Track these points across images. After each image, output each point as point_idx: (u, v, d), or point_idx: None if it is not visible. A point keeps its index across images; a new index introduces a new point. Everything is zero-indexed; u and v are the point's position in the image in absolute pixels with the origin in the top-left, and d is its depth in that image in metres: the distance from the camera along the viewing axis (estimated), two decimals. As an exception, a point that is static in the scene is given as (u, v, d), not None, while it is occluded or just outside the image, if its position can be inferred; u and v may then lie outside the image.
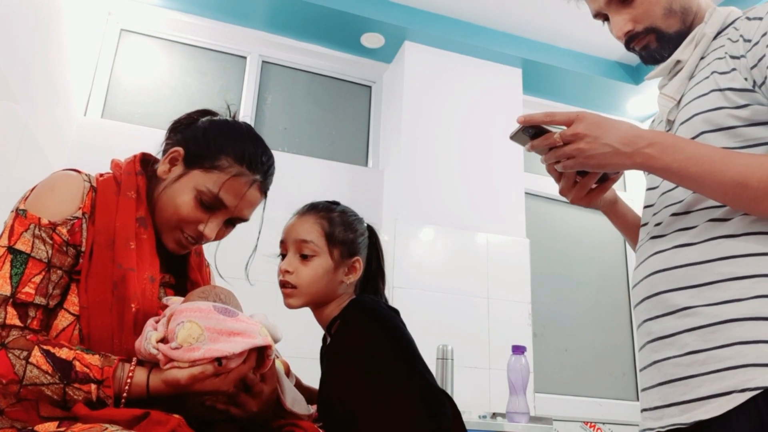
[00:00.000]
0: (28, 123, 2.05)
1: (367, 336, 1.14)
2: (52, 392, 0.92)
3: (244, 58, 3.25)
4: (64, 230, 1.02)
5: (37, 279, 0.97)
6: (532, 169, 3.33)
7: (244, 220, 1.18)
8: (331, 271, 1.21)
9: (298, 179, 2.92)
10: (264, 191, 1.18)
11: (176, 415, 0.89)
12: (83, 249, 1.03)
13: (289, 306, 1.22)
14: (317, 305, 1.24)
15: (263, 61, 3.28)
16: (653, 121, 1.26)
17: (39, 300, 0.97)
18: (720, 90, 1.01)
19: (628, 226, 1.27)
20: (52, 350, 0.93)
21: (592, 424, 3.08)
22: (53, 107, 2.38)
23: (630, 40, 1.16)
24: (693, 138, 1.03)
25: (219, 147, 1.12)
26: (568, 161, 1.01)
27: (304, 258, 1.21)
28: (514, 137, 1.05)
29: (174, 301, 1.05)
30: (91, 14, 2.77)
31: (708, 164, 0.93)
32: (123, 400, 0.93)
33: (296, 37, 3.23)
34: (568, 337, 3.28)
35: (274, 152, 1.21)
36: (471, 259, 2.90)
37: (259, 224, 1.23)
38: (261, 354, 1.03)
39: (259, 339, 1.00)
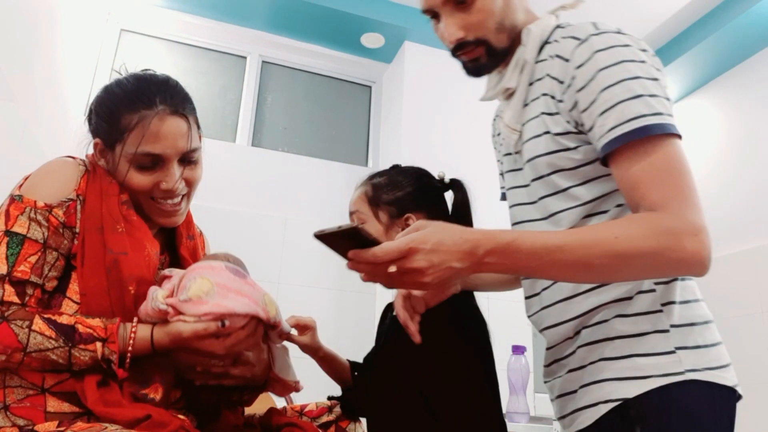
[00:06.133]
0: (28, 123, 2.05)
1: (447, 337, 1.17)
2: (58, 356, 0.92)
3: (244, 58, 3.25)
4: (60, 212, 1.02)
5: (33, 259, 0.97)
6: (532, 169, 3.33)
7: (190, 151, 1.10)
8: (382, 234, 1.26)
9: (298, 179, 2.91)
10: (180, 113, 1.09)
11: (179, 417, 0.89)
12: (78, 231, 1.03)
13: None
14: None
15: (263, 61, 3.28)
16: (493, 132, 1.29)
17: (35, 279, 0.97)
18: (550, 134, 1.01)
19: (491, 285, 1.40)
20: (53, 317, 0.94)
21: (592, 424, 3.08)
22: (53, 107, 2.38)
23: (458, 48, 1.10)
24: (541, 178, 1.03)
25: (112, 113, 1.08)
26: (408, 287, 0.89)
27: None
28: (322, 237, 0.81)
29: (177, 273, 1.05)
30: (90, 14, 2.77)
31: (546, 256, 0.87)
32: (129, 356, 0.94)
33: (296, 37, 3.22)
34: (567, 337, 3.27)
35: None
36: (471, 259, 2.89)
37: (199, 148, 1.14)
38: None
39: (260, 309, 1.03)
